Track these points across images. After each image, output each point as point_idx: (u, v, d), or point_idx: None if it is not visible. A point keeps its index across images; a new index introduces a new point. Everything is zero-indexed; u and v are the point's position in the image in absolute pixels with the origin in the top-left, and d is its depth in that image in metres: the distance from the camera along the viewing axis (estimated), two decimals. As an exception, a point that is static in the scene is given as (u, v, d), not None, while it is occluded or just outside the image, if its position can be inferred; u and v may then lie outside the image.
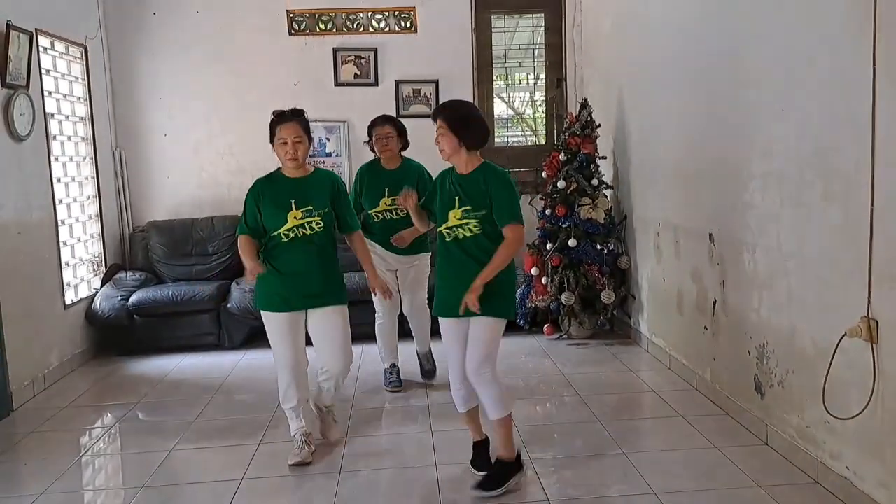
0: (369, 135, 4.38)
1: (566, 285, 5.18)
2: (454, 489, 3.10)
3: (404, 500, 3.08)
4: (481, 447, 3.24)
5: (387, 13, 6.20)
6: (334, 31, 6.18)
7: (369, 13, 6.19)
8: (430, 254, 4.34)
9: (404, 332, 4.53)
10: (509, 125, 6.84)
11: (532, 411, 4.03)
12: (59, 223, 5.02)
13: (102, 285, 5.55)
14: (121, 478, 3.51)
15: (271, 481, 3.31)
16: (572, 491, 3.07)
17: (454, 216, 3.03)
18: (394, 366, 4.48)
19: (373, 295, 3.76)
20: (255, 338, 5.51)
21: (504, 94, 6.71)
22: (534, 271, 5.33)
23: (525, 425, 3.75)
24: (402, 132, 4.36)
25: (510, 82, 6.68)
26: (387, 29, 6.21)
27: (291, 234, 3.32)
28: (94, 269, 5.61)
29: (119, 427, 4.05)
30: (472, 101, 6.23)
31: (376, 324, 4.45)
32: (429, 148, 3.34)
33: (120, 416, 4.18)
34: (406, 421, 4.06)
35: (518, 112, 6.93)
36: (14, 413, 4.25)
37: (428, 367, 4.57)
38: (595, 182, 5.28)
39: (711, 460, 3.28)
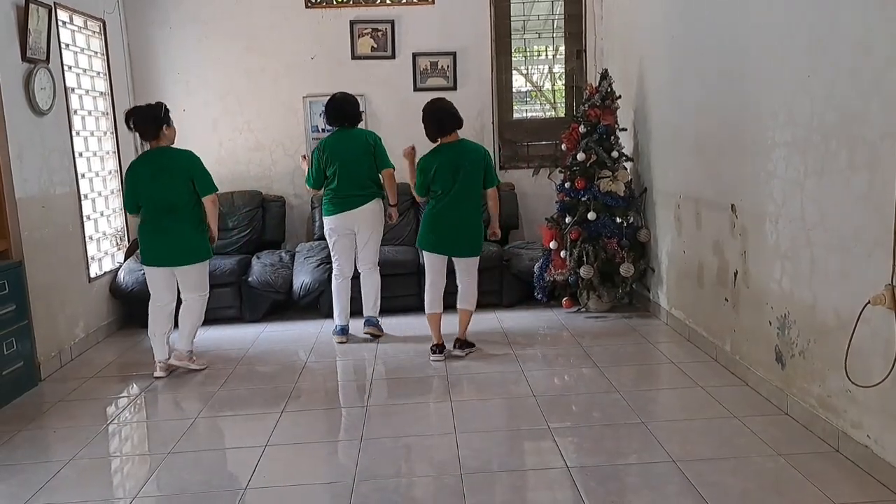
0: None
1: (585, 259, 5.16)
2: (474, 457, 3.13)
3: (424, 467, 3.12)
4: (441, 345, 4.47)
5: (404, -16, 6.15)
6: (351, 3, 6.14)
7: (386, -15, 6.14)
8: None
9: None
10: (528, 99, 6.79)
11: (550, 383, 4.04)
12: (82, 197, 5.08)
13: (125, 259, 5.62)
14: (147, 445, 3.58)
15: (294, 448, 3.37)
16: (590, 459, 3.08)
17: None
18: None
19: None
20: (276, 311, 5.61)
21: (522, 68, 6.64)
22: (552, 245, 5.30)
23: (544, 396, 3.79)
24: None
25: (528, 54, 6.61)
26: (404, 1, 6.16)
27: None
28: (117, 244, 5.68)
29: (144, 397, 4.13)
30: (490, 73, 6.21)
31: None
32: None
33: (145, 387, 4.25)
34: (425, 391, 4.10)
35: (536, 86, 6.87)
36: (42, 383, 4.34)
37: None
38: (615, 154, 5.23)
39: (731, 429, 3.28)
